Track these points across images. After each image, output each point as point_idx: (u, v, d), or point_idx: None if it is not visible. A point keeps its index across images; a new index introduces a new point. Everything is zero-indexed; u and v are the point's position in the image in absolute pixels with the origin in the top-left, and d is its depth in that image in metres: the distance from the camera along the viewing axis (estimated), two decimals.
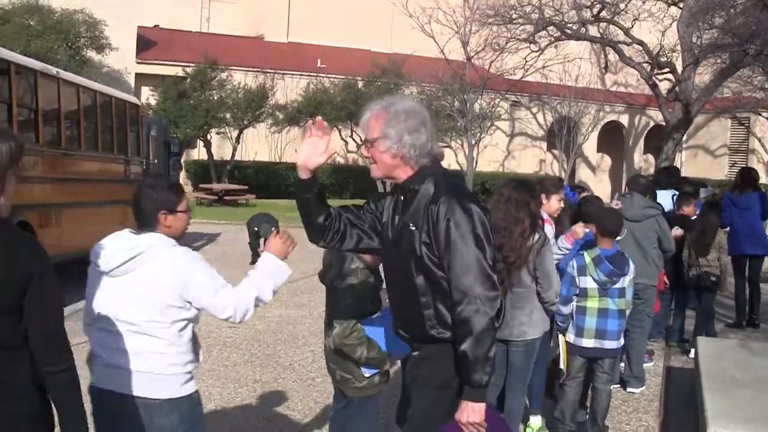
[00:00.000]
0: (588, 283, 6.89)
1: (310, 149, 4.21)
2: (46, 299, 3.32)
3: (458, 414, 3.97)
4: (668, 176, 13.14)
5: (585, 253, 7.03)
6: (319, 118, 4.33)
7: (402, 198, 4.22)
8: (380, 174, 4.21)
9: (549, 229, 7.30)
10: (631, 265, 7.06)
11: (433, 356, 4.12)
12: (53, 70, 14.59)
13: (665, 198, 11.34)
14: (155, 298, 4.17)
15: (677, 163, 42.53)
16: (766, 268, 16.52)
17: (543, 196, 7.53)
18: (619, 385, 8.90)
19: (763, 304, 14.96)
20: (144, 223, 4.38)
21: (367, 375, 5.37)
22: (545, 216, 7.38)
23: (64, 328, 3.41)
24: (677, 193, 11.81)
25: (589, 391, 7.33)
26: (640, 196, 9.25)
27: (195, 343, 4.40)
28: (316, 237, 4.31)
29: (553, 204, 7.79)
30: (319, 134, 4.20)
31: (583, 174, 51.12)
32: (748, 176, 13.33)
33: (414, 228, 4.06)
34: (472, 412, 3.94)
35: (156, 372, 4.17)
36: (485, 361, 3.89)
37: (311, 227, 4.29)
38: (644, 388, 9.02)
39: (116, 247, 4.27)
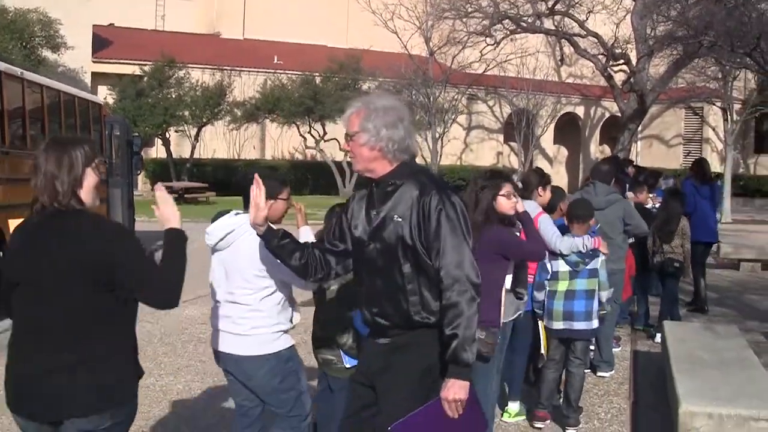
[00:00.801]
0: (560, 266, 7.18)
1: (253, 209, 4.39)
2: (137, 264, 3.89)
3: (445, 392, 4.15)
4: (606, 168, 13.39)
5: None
6: (256, 174, 4.51)
7: (379, 191, 4.37)
8: (360, 167, 4.40)
9: (546, 218, 7.49)
10: (604, 248, 7.36)
11: (414, 343, 4.29)
12: (17, 70, 14.59)
13: None
14: (243, 269, 5.09)
15: (633, 153, 43.06)
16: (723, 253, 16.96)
17: (540, 188, 7.82)
18: (589, 370, 9.13)
19: (725, 289, 15.37)
20: (247, 206, 4.88)
21: (348, 366, 5.66)
22: (539, 208, 7.61)
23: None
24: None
25: (563, 376, 7.56)
26: (602, 184, 9.50)
27: (284, 307, 5.24)
28: (303, 276, 4.66)
29: (548, 195, 8.03)
30: (257, 192, 4.39)
31: (541, 166, 51.51)
32: (707, 168, 13.82)
33: (400, 219, 4.23)
34: (459, 389, 4.14)
35: (242, 333, 5.10)
36: (473, 342, 4.14)
37: (294, 270, 4.57)
38: (613, 372, 9.27)
39: (217, 226, 5.24)
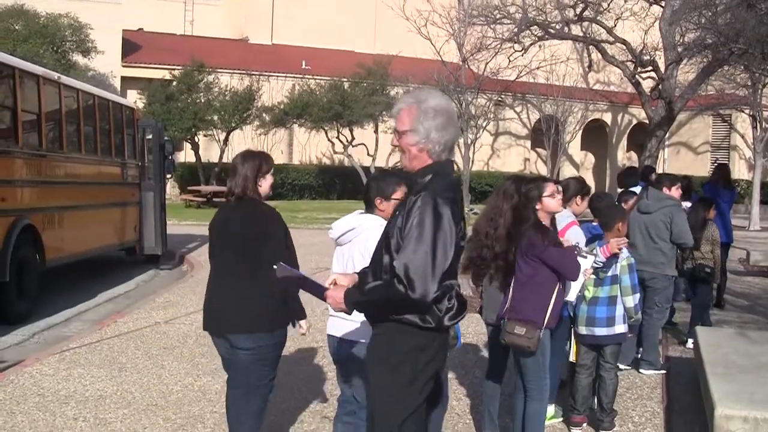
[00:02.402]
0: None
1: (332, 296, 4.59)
2: (274, 248, 5.82)
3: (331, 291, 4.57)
4: (630, 176, 13.53)
5: (626, 259, 7.42)
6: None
7: (413, 186, 4.52)
8: (406, 163, 4.54)
9: (576, 230, 7.52)
10: (624, 252, 7.41)
11: (387, 333, 4.47)
12: (54, 75, 14.79)
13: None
14: (358, 264, 5.45)
15: (660, 161, 42.93)
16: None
17: (579, 197, 7.93)
18: (630, 367, 9.48)
19: (755, 296, 15.37)
20: (367, 206, 5.90)
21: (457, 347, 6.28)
22: (572, 217, 7.66)
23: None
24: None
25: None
26: (655, 190, 9.80)
27: None
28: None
29: (584, 205, 8.09)
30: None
31: (568, 172, 51.42)
32: (728, 174, 14.72)
33: (398, 213, 4.49)
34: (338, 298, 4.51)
35: (355, 320, 5.41)
36: (372, 299, 4.42)
37: None
38: (657, 372, 9.38)
39: (341, 223, 5.85)
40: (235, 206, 6.12)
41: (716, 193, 13.95)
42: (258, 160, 6.07)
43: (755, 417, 6.29)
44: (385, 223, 5.37)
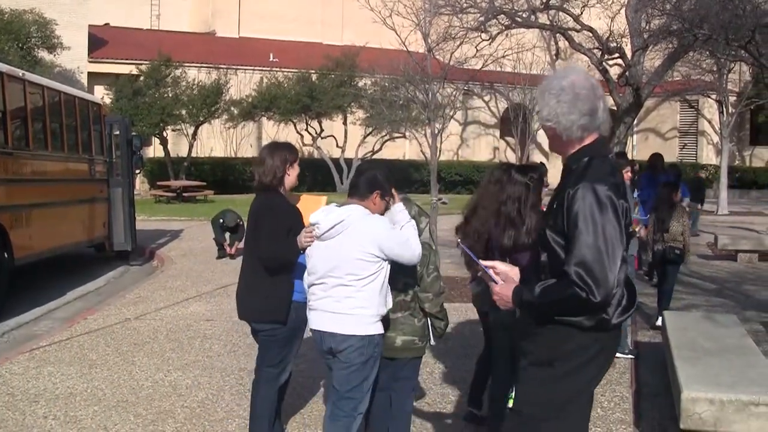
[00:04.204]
0: None
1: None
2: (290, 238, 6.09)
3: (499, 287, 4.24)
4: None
5: None
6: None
7: (563, 176, 4.21)
8: (551, 148, 4.36)
9: None
10: None
11: (548, 335, 4.09)
12: (19, 72, 14.69)
13: None
14: (351, 256, 5.52)
15: (629, 147, 43.09)
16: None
17: None
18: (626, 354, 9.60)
19: (723, 279, 15.52)
20: (356, 194, 5.76)
21: (433, 344, 6.35)
22: None
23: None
24: None
25: None
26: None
27: (383, 294, 5.65)
28: None
29: None
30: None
31: (537, 160, 51.65)
32: (661, 161, 15.60)
33: (556, 205, 4.08)
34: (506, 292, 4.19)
35: (343, 312, 5.57)
36: (546, 300, 3.99)
37: None
38: (624, 356, 9.46)
39: (326, 218, 5.65)
40: (257, 196, 6.59)
41: (652, 180, 14.44)
42: (286, 151, 6.47)
43: (720, 399, 6.36)
44: (368, 212, 5.64)
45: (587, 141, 4.15)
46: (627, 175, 10.19)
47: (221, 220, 18.42)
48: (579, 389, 4.16)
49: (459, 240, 4.67)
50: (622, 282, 4.02)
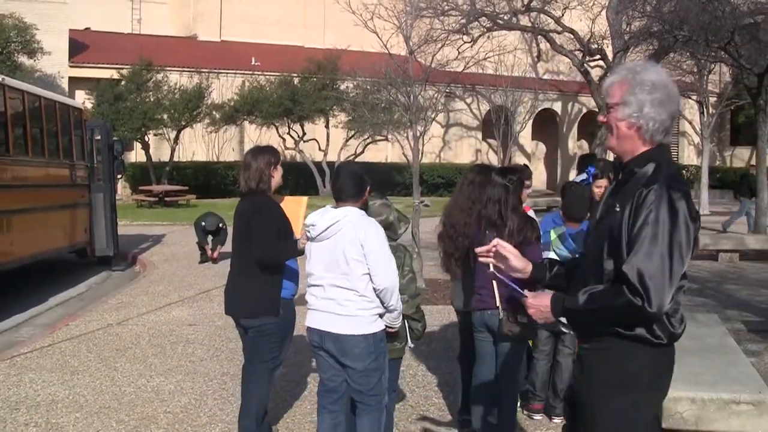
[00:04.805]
0: (551, 257, 7.25)
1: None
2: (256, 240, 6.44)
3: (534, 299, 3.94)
4: (585, 161, 13.83)
5: (552, 230, 7.41)
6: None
7: (622, 176, 3.96)
8: (614, 143, 3.96)
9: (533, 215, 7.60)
10: None
11: (609, 350, 3.81)
12: None
13: None
14: (347, 256, 5.61)
15: None
16: None
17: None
18: None
19: (704, 279, 15.58)
20: (348, 197, 5.81)
21: (411, 346, 6.38)
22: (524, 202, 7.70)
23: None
24: None
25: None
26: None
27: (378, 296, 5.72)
28: None
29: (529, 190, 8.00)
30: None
31: (520, 162, 51.77)
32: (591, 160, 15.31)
33: (618, 209, 3.79)
34: (545, 307, 3.89)
35: (347, 314, 5.68)
36: (592, 308, 3.73)
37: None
38: None
39: (321, 220, 5.73)
40: (243, 199, 6.75)
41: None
42: (269, 153, 6.69)
43: (702, 398, 6.37)
44: (363, 213, 5.78)
45: (653, 142, 3.88)
46: (600, 190, 10.07)
47: (203, 223, 18.40)
48: (657, 412, 3.99)
49: (491, 266, 4.33)
50: (681, 295, 3.81)
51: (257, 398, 6.61)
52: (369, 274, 5.63)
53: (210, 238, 18.56)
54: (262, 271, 6.48)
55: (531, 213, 7.60)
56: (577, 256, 7.20)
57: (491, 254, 4.17)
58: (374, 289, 5.64)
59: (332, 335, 5.72)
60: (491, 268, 4.27)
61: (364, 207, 5.93)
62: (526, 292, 3.97)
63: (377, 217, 6.03)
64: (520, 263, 4.16)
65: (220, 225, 18.33)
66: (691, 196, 3.79)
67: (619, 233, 3.72)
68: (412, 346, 6.43)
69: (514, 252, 4.17)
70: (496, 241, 4.18)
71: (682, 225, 3.63)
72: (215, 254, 18.24)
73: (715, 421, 6.35)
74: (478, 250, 4.26)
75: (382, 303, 5.70)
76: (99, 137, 19.02)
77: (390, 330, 5.91)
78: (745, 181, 25.71)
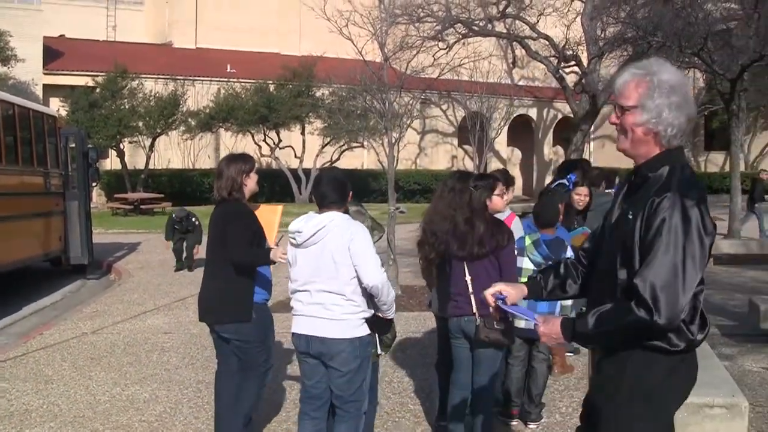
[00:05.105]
0: (525, 263, 7.26)
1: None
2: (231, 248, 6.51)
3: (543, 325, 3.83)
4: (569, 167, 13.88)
5: (526, 236, 7.41)
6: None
7: (635, 180, 3.86)
8: (626, 146, 3.83)
9: (518, 223, 7.62)
10: (569, 252, 7.42)
11: (628, 362, 3.73)
12: None
13: None
14: (335, 261, 5.64)
15: (586, 154, 43.49)
16: None
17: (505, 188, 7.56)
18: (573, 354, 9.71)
19: None
20: (331, 203, 5.82)
21: (380, 354, 6.35)
22: (509, 210, 7.70)
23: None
24: None
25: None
26: (596, 190, 9.98)
27: (366, 296, 5.78)
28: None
29: (510, 196, 7.87)
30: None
31: (496, 167, 51.81)
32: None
33: (631, 216, 3.69)
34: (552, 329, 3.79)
35: (334, 318, 5.70)
36: (603, 330, 3.63)
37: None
38: (574, 354, 9.53)
39: (307, 226, 5.73)
40: (217, 207, 6.74)
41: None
42: (242, 161, 6.70)
43: None
44: (348, 217, 5.81)
45: (671, 146, 3.77)
46: (580, 197, 10.09)
47: (173, 215, 18.49)
48: (673, 410, 3.88)
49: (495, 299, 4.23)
50: (699, 299, 3.71)
51: (251, 397, 6.70)
52: (357, 276, 5.65)
53: (177, 235, 18.46)
54: (237, 275, 6.49)
55: (516, 221, 7.63)
56: (550, 263, 7.23)
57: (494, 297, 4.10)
58: (366, 287, 5.66)
59: (319, 339, 5.73)
60: (493, 305, 4.15)
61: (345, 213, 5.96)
62: (536, 316, 3.90)
63: None
64: (515, 291, 4.11)
65: (192, 218, 18.34)
66: (707, 200, 3.68)
67: (632, 242, 3.64)
68: (380, 353, 6.42)
69: (506, 287, 4.12)
70: (493, 288, 4.10)
71: (694, 232, 3.52)
72: (196, 250, 18.11)
73: (689, 425, 6.38)
74: (488, 299, 4.13)
75: (377, 299, 5.74)
76: (73, 145, 18.96)
77: (386, 318, 5.99)
78: (760, 186, 25.99)
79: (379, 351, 6.34)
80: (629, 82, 3.74)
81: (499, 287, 4.10)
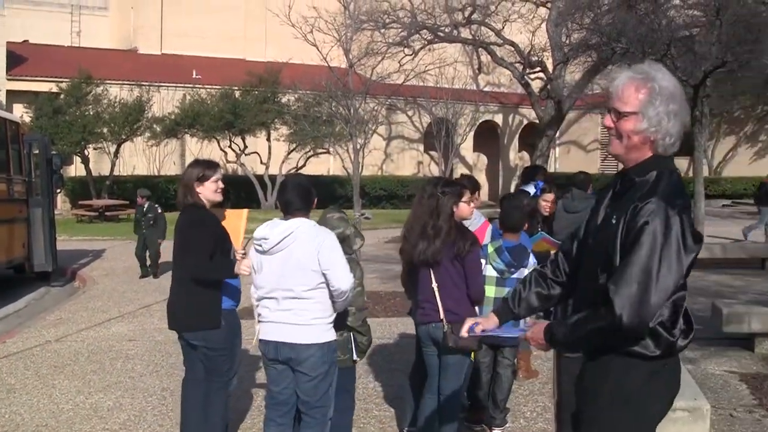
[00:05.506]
0: (488, 271, 7.27)
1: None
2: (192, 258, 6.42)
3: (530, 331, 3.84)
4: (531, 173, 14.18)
5: (489, 244, 7.43)
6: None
7: (622, 184, 3.80)
8: (620, 151, 3.73)
9: (490, 230, 7.65)
10: (531, 259, 7.44)
11: (608, 367, 3.71)
12: None
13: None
14: (302, 267, 5.63)
15: (551, 159, 43.72)
16: None
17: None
18: None
19: None
20: (295, 209, 5.80)
21: (355, 359, 6.40)
22: (483, 217, 7.73)
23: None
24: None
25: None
26: (579, 191, 10.01)
27: (332, 300, 5.76)
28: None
29: (478, 202, 7.78)
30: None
31: (461, 173, 51.94)
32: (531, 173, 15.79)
33: (614, 221, 3.63)
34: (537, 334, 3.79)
35: (303, 323, 5.70)
36: (579, 335, 3.63)
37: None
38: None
39: (273, 233, 5.72)
40: (181, 213, 6.65)
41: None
42: (198, 168, 6.58)
43: None
44: (314, 223, 5.81)
45: (666, 153, 3.71)
46: (547, 203, 10.11)
47: (137, 199, 18.97)
48: (655, 415, 3.81)
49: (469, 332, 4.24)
50: (680, 305, 3.67)
51: (220, 410, 6.66)
52: (326, 281, 5.65)
53: (140, 232, 18.68)
54: (200, 285, 6.44)
55: (490, 229, 7.68)
56: (512, 270, 7.27)
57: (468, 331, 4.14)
58: (333, 291, 5.67)
59: (289, 345, 5.72)
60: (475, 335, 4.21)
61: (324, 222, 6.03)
62: (524, 323, 3.94)
63: (334, 230, 6.08)
64: (487, 321, 4.14)
65: (156, 206, 18.45)
66: (690, 207, 3.68)
67: (613, 247, 3.59)
68: (356, 359, 6.44)
69: (476, 320, 4.17)
70: (466, 325, 4.14)
71: (673, 238, 3.46)
72: (159, 243, 18.09)
73: None
74: (462, 334, 4.19)
75: (338, 302, 5.76)
76: (37, 151, 18.82)
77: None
78: (764, 188, 26.32)
79: (354, 357, 6.37)
80: (626, 86, 3.64)
81: (470, 322, 4.13)
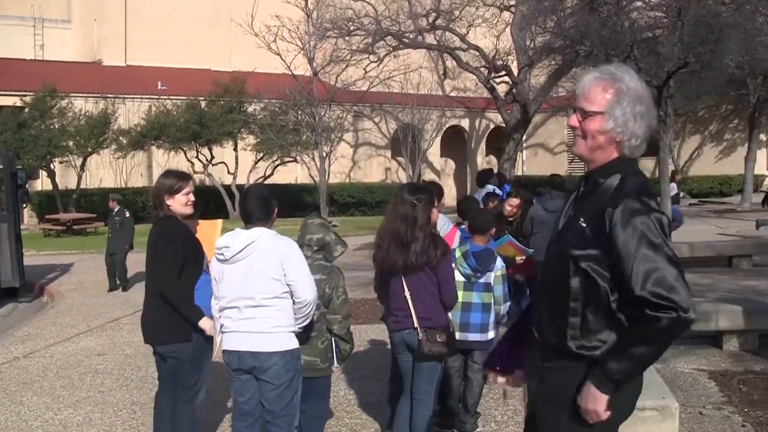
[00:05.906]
0: (456, 276, 7.26)
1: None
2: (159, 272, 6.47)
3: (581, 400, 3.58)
4: (485, 177, 14.99)
5: (457, 248, 7.44)
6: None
7: (586, 187, 3.75)
8: (584, 152, 3.69)
9: (459, 234, 7.68)
10: (499, 262, 7.45)
11: (567, 369, 3.65)
12: None
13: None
14: (264, 275, 5.65)
15: (518, 163, 43.87)
16: None
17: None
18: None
19: None
20: (256, 219, 5.82)
21: (335, 367, 6.49)
22: (450, 222, 7.74)
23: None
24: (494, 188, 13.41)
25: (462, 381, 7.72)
26: (557, 192, 10.15)
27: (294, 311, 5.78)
28: None
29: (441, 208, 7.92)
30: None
31: (429, 179, 52.03)
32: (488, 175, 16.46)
33: (584, 224, 3.57)
34: (595, 399, 3.56)
35: (266, 331, 5.70)
36: (649, 355, 3.53)
37: None
38: None
39: (235, 241, 5.73)
40: (153, 224, 6.65)
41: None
42: (171, 179, 6.54)
43: None
44: (275, 233, 5.80)
45: (632, 155, 3.68)
46: (513, 208, 10.14)
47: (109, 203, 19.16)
48: (617, 425, 3.79)
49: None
50: None
51: (187, 423, 6.62)
52: (289, 291, 5.66)
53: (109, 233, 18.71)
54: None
55: (458, 234, 7.70)
56: (478, 274, 7.29)
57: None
58: (296, 302, 5.68)
59: (252, 354, 5.73)
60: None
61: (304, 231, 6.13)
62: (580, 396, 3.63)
63: (314, 236, 6.24)
64: (514, 378, 4.27)
65: (124, 210, 18.43)
66: (659, 204, 3.66)
67: (587, 249, 3.53)
68: (336, 366, 6.45)
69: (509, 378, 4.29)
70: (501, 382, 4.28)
71: (654, 227, 3.42)
72: (127, 245, 18.05)
73: (623, 428, 6.40)
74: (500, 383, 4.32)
75: (298, 314, 5.75)
76: (1, 166, 18.68)
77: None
78: None
79: (335, 364, 6.37)
80: (593, 86, 3.62)
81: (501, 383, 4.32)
